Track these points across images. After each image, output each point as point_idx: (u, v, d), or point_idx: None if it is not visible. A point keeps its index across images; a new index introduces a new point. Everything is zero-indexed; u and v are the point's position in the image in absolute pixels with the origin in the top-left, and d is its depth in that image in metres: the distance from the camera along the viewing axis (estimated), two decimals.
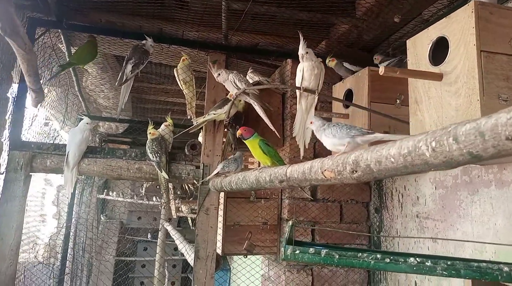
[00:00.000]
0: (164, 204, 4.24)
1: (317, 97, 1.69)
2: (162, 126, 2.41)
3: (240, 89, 1.91)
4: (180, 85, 2.45)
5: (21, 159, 2.07)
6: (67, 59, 2.47)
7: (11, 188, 2.01)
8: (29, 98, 2.17)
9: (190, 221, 5.97)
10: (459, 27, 1.48)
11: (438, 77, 1.53)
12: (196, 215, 2.28)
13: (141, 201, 6.21)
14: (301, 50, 1.62)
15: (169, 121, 2.42)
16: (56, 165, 2.13)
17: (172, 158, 2.33)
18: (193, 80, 2.44)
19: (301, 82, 1.64)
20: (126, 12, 2.48)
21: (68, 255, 4.62)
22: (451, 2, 2.13)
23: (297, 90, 1.69)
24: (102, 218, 6.89)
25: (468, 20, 1.44)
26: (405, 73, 1.56)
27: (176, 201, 5.09)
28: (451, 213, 1.92)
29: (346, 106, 2.23)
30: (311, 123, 1.24)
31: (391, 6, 2.34)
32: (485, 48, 1.41)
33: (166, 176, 2.18)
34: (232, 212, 2.44)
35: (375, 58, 2.42)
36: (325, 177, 1.07)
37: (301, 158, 1.83)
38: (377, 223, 2.52)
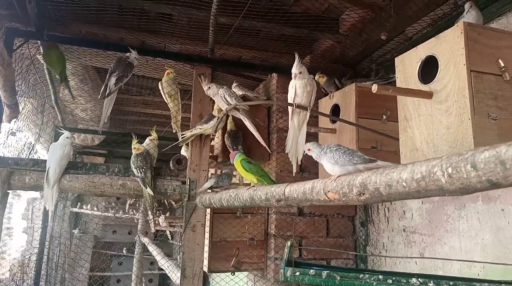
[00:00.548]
0: (151, 220, 4.12)
1: (309, 114, 1.69)
2: (147, 140, 2.35)
3: (230, 104, 1.88)
4: (164, 99, 2.40)
5: None
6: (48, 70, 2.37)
7: None
8: (3, 113, 2.08)
9: (169, 234, 5.86)
10: (448, 47, 1.51)
11: (429, 95, 1.56)
12: (182, 230, 2.22)
13: (117, 215, 6.05)
14: (295, 69, 1.62)
15: (154, 135, 2.36)
16: (36, 182, 2.04)
17: (157, 173, 2.27)
18: (178, 93, 2.40)
19: (294, 99, 1.63)
20: (108, 24, 2.43)
21: (41, 271, 4.41)
22: (435, 21, 2.19)
23: (289, 107, 1.69)
24: (75, 232, 6.66)
25: (457, 41, 1.47)
26: (397, 91, 1.58)
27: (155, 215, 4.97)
28: (438, 227, 1.94)
29: (333, 121, 2.25)
30: (308, 150, 1.23)
31: (375, 23, 2.38)
32: (474, 68, 1.44)
33: (151, 193, 2.12)
34: (218, 228, 2.40)
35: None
36: (328, 198, 1.05)
37: (293, 174, 1.82)
38: (363, 237, 2.53)
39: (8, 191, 1.98)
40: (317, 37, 2.69)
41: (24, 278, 5.26)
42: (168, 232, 5.83)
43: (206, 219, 2.39)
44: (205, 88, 2.03)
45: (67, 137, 2.12)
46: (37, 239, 4.50)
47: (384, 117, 2.15)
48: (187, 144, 2.44)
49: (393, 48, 2.49)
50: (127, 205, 6.15)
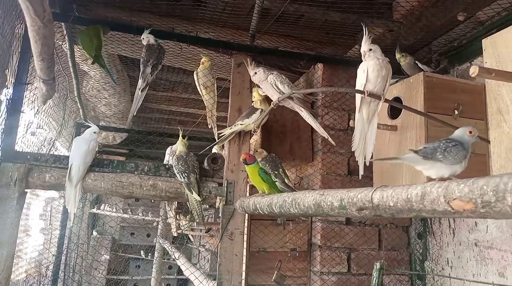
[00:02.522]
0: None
1: (381, 104, 1.41)
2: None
3: (283, 93, 1.61)
4: (199, 90, 2.15)
5: (15, 172, 1.73)
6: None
7: (2, 208, 1.67)
8: (38, 91, 1.83)
9: (192, 238, 5.61)
10: None
11: None
12: (218, 238, 1.96)
13: (135, 217, 5.83)
14: (365, 46, 1.34)
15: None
16: (57, 180, 1.80)
17: None
18: (215, 85, 2.15)
19: (365, 85, 1.35)
20: (136, 9, 2.20)
21: (60, 273, 4.22)
22: None
23: (357, 96, 1.41)
24: (93, 234, 6.47)
25: None
26: (502, 76, 1.28)
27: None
28: None
29: (393, 116, 1.96)
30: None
31: (438, 6, 2.09)
32: None
33: (198, 198, 1.87)
34: (257, 236, 2.13)
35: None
36: (453, 209, 0.77)
37: (359, 177, 1.54)
38: (420, 251, 2.22)
39: (26, 190, 1.75)
40: (365, 25, 2.42)
41: (40, 280, 5.08)
42: (191, 237, 5.59)
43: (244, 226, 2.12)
44: (251, 73, 1.77)
45: (94, 132, 1.88)
46: (55, 240, 4.31)
47: (456, 113, 1.85)
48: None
49: (460, 35, 2.17)
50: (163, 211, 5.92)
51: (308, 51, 2.53)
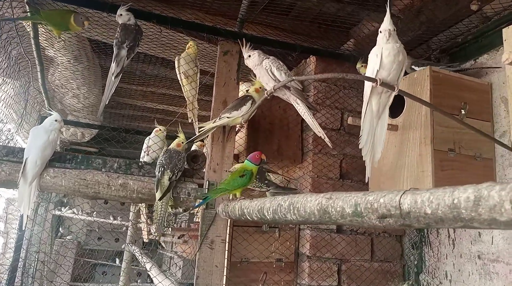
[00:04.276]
0: (144, 229, 3.58)
1: (394, 95, 1.23)
2: (152, 133, 1.90)
3: (278, 81, 1.41)
4: (179, 79, 1.93)
5: None
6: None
7: None
8: None
9: (164, 245, 5.32)
10: None
11: None
12: (196, 248, 1.73)
13: (103, 220, 5.48)
14: (388, 24, 1.15)
15: (161, 127, 1.90)
16: (8, 176, 1.53)
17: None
18: (198, 74, 1.93)
19: (378, 72, 1.17)
20: None
21: (15, 279, 3.84)
22: None
23: (366, 85, 1.22)
24: (58, 238, 6.06)
25: None
26: None
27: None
28: None
29: (393, 115, 1.80)
30: None
31: (439, 2, 1.96)
32: None
33: (157, 197, 1.62)
34: (240, 245, 1.91)
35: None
36: None
37: (366, 180, 1.35)
38: (415, 262, 2.06)
39: None
40: (359, 19, 2.27)
41: None
42: (162, 243, 5.30)
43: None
44: (245, 55, 1.56)
45: (55, 120, 1.62)
46: (12, 245, 3.94)
47: (463, 112, 1.70)
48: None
49: (463, 31, 2.03)
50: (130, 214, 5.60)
51: (299, 43, 2.35)
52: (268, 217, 1.28)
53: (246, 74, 2.34)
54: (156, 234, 4.60)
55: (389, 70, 1.16)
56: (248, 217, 1.42)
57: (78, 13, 1.71)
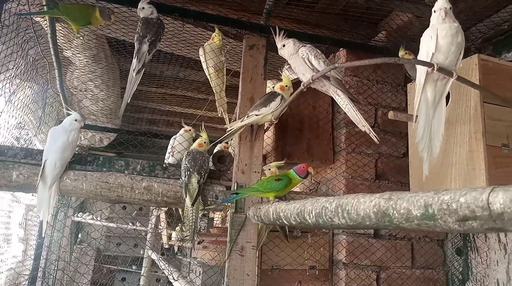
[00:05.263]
0: (188, 241, 3.42)
1: (452, 81, 1.09)
2: (181, 131, 1.80)
3: (316, 70, 1.28)
4: (206, 72, 1.83)
5: None
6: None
7: None
8: None
9: (185, 251, 5.22)
10: None
11: None
12: (226, 255, 1.60)
13: (123, 226, 5.42)
14: (444, 2, 1.02)
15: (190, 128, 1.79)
16: (27, 179, 1.44)
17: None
18: (224, 63, 1.83)
19: (433, 55, 1.03)
20: None
21: None
22: None
23: (418, 69, 1.09)
24: (76, 244, 6.02)
25: None
26: None
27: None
28: None
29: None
30: None
31: None
32: None
33: (189, 203, 1.51)
34: (271, 251, 1.78)
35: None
36: None
37: (423, 178, 1.21)
38: (460, 269, 1.90)
39: None
40: (389, 10, 2.15)
41: None
42: (176, 248, 5.20)
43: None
44: (278, 45, 1.44)
45: (75, 120, 1.53)
46: (31, 252, 3.89)
47: None
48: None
49: (504, 19, 1.88)
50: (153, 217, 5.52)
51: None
52: (310, 221, 1.15)
53: (271, 71, 2.23)
54: (187, 238, 4.49)
55: (446, 53, 1.03)
56: (285, 221, 1.30)
57: (104, 7, 1.62)
